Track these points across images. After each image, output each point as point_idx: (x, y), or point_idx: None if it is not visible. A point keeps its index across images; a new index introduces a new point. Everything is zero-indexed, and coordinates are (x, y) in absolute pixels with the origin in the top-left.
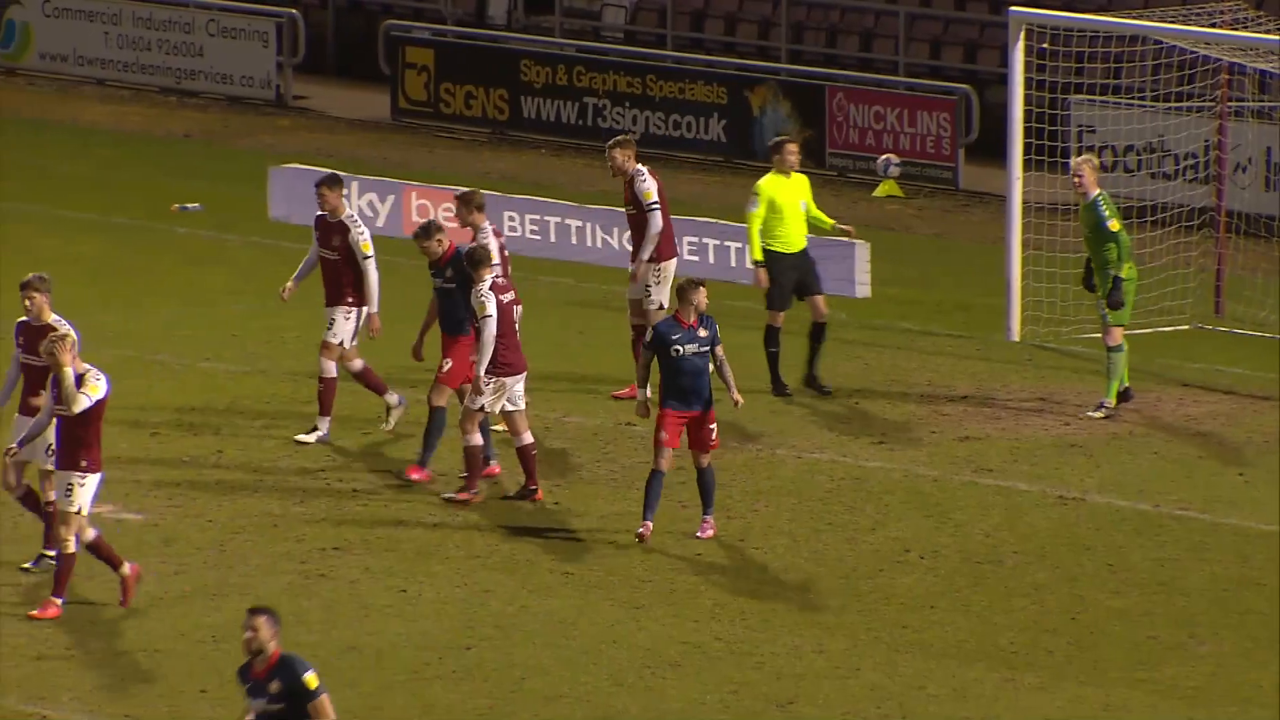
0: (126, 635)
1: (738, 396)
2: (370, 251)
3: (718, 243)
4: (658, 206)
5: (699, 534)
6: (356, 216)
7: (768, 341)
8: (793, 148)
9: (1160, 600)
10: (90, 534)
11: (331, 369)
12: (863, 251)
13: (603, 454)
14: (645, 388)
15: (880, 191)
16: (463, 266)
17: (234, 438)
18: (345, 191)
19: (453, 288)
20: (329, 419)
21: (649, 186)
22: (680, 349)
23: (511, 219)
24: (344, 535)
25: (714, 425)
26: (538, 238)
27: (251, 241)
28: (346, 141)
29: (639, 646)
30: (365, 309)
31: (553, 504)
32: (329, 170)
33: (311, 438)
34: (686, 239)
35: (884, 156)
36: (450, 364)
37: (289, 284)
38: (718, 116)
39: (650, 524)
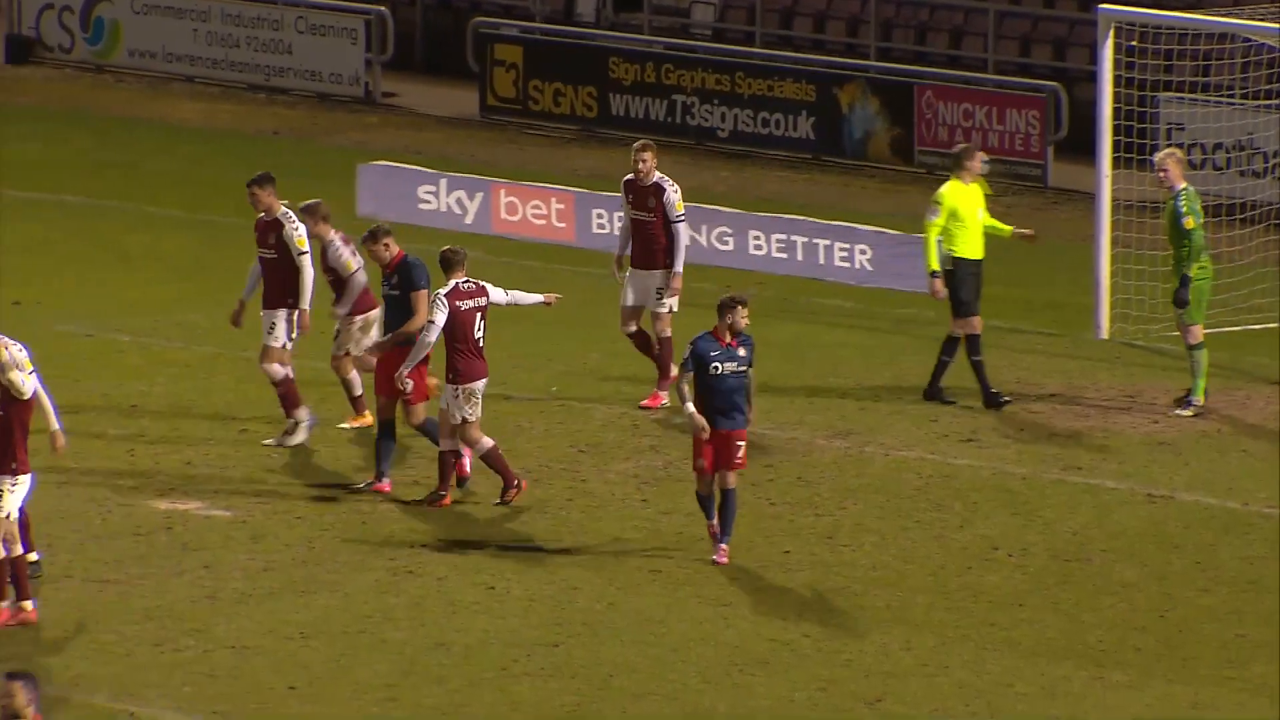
0: (215, 632)
1: (751, 418)
2: (305, 248)
3: (806, 240)
4: (685, 218)
5: (715, 558)
6: (291, 214)
7: (970, 350)
8: (983, 155)
9: (1249, 598)
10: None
11: (279, 371)
12: None
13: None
14: (689, 402)
15: None
16: (408, 274)
17: (321, 434)
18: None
19: (397, 294)
20: (305, 408)
21: (679, 198)
22: (719, 367)
23: (600, 216)
24: (432, 532)
25: (743, 444)
26: None
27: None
28: (435, 139)
29: (727, 644)
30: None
31: (640, 501)
32: (262, 171)
33: (301, 437)
34: (774, 237)
35: None
36: (410, 384)
37: (237, 308)
38: (806, 114)
39: (723, 545)
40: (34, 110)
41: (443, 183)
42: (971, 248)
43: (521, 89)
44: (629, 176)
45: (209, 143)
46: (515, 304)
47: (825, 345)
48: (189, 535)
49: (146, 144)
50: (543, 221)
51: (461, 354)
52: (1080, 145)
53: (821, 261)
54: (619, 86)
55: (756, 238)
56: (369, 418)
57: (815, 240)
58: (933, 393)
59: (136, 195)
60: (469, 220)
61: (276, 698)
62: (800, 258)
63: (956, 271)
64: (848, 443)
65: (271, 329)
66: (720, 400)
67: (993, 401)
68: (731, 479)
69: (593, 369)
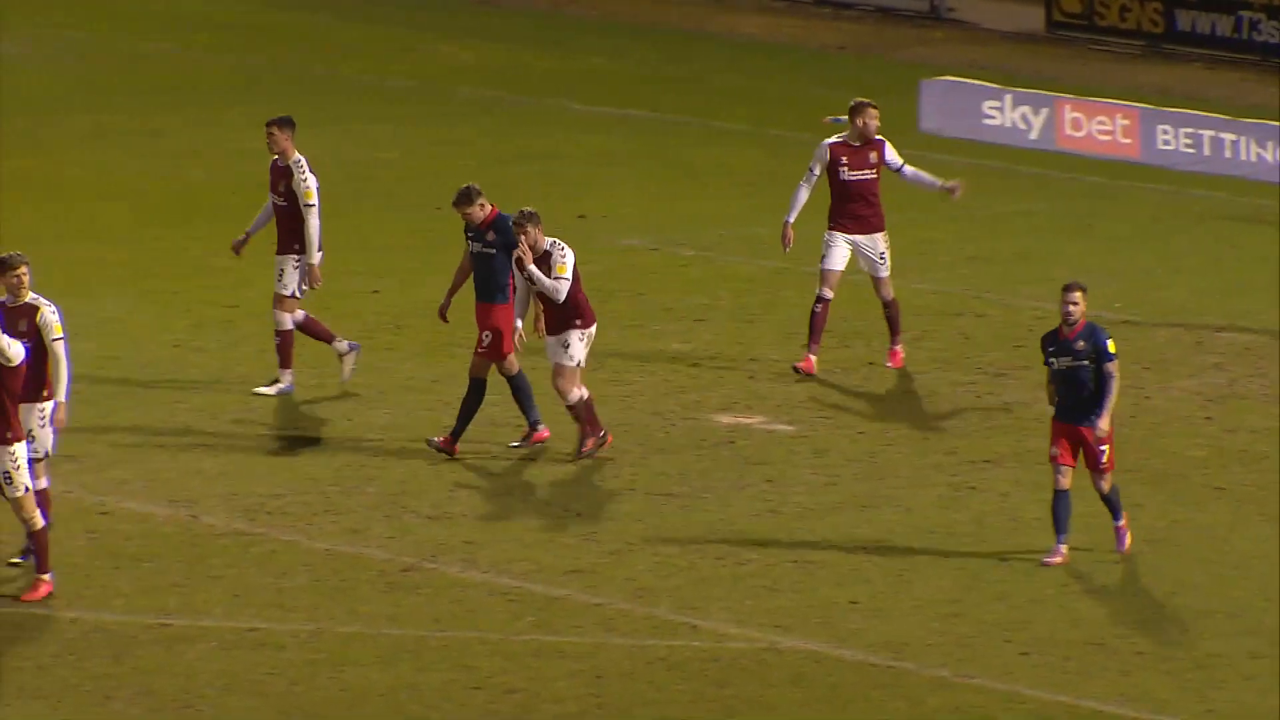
0: (777, 546)
1: (1102, 424)
2: (313, 200)
3: None
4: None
5: (1044, 559)
6: (304, 161)
7: None
8: None
9: None
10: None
11: (287, 321)
12: None
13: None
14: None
15: None
16: (506, 230)
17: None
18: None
19: (493, 253)
20: (290, 371)
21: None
22: (1054, 362)
23: (1165, 132)
24: (994, 448)
25: (1106, 445)
26: (1191, 151)
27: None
28: (998, 54)
29: None
30: (304, 259)
31: (1204, 418)
32: (280, 116)
33: (271, 390)
34: None
35: None
36: (490, 336)
37: (240, 240)
38: None
39: (1062, 549)
40: (598, 24)
41: (1007, 98)
42: None
43: (1088, 3)
44: (837, 140)
45: (774, 57)
46: None
47: None
48: (752, 449)
49: (710, 58)
50: (1107, 138)
51: (585, 300)
52: None
53: None
54: (1185, 2)
55: None
56: None
57: None
58: None
59: (701, 110)
60: (1033, 136)
61: (838, 612)
62: None
63: None
64: None
65: (280, 275)
66: (1064, 394)
67: None
68: (1103, 482)
69: (1157, 285)
